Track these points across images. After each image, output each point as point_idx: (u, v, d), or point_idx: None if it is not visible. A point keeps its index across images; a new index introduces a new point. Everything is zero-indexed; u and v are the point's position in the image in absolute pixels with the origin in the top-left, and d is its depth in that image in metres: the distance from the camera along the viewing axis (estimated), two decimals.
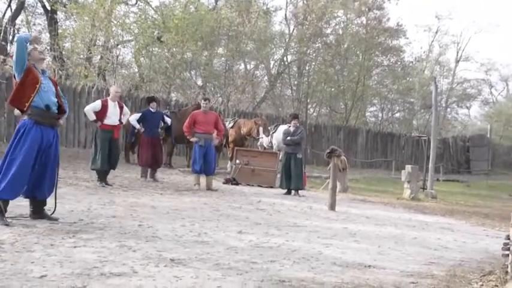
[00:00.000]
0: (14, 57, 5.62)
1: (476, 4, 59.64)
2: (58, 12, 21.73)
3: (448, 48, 34.96)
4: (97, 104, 10.05)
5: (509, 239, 5.23)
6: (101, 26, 19.34)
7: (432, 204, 12.53)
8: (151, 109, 11.93)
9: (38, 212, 5.99)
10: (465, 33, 37.11)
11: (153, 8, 22.12)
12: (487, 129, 32.45)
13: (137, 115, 12.21)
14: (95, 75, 20.37)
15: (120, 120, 10.09)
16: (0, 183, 5.51)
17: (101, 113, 9.87)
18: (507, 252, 5.22)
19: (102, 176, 9.87)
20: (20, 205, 6.15)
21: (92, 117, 9.92)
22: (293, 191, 11.62)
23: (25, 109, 5.70)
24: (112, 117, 9.90)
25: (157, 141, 11.89)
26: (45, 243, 4.80)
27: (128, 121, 11.62)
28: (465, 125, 40.48)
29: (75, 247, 4.75)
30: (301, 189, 11.78)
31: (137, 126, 11.82)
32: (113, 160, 9.98)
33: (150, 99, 12.32)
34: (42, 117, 5.75)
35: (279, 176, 14.00)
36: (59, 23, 21.83)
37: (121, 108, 10.15)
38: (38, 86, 5.67)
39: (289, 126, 12.21)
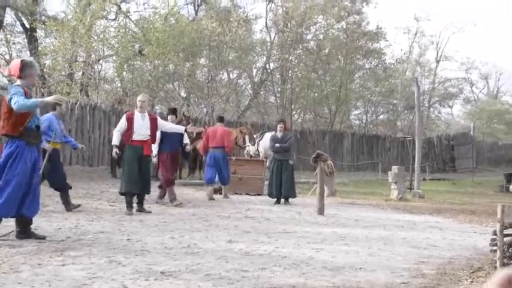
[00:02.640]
0: (22, 103, 5.54)
1: (453, 5, 60.46)
2: (37, 30, 21.59)
3: (428, 49, 35.38)
4: (122, 122, 8.69)
5: (496, 234, 5.28)
6: (81, 42, 19.25)
7: (420, 204, 12.61)
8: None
9: (24, 231, 5.93)
10: (444, 33, 37.55)
11: (133, 22, 22.09)
12: (470, 127, 32.80)
13: (158, 134, 10.10)
14: (77, 92, 20.25)
15: (151, 134, 8.74)
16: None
17: (127, 130, 8.58)
18: (495, 247, 5.28)
19: (130, 202, 8.54)
20: (7, 225, 6.08)
21: (116, 141, 8.65)
22: (282, 200, 11.31)
23: (19, 133, 5.74)
24: (140, 131, 8.57)
25: (177, 157, 10.63)
26: (33, 262, 4.75)
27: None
28: (449, 124, 40.87)
29: (63, 265, 4.71)
30: (293, 198, 11.44)
31: (154, 152, 9.88)
32: (143, 181, 8.57)
33: (170, 111, 11.06)
34: (34, 137, 5.85)
35: (266, 183, 14.01)
36: (38, 41, 21.68)
37: (153, 120, 8.81)
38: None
39: (275, 132, 12.03)
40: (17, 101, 5.51)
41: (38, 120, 5.97)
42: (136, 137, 8.54)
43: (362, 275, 4.85)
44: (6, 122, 5.76)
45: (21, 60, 6.02)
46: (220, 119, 12.51)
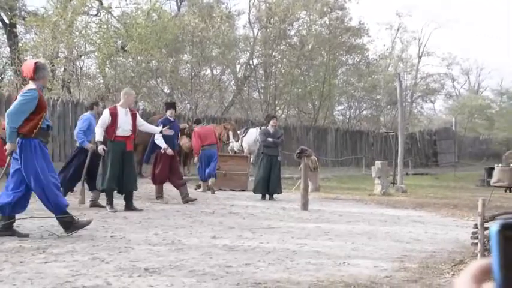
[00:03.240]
0: (23, 101, 5.80)
1: (435, 0, 60.93)
2: (17, 26, 21.30)
3: (410, 45, 35.58)
4: (105, 117, 8.39)
5: (477, 227, 5.36)
6: (62, 38, 19.04)
7: (403, 198, 12.71)
8: (169, 118, 10.25)
9: (9, 228, 5.87)
10: (425, 29, 37.76)
11: (115, 18, 21.90)
12: (452, 122, 33.15)
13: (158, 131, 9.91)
14: (59, 88, 20.05)
15: (133, 130, 8.53)
16: (19, 199, 5.84)
17: (111, 125, 8.33)
18: (476, 240, 5.35)
19: (111, 198, 8.41)
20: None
21: (99, 137, 8.30)
22: (268, 196, 11.29)
23: (34, 134, 5.90)
24: (123, 127, 8.36)
25: (177, 156, 10.44)
26: (15, 260, 4.70)
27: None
28: (431, 119, 41.23)
29: (45, 263, 4.67)
30: (278, 193, 11.44)
31: (164, 145, 9.65)
32: (127, 178, 8.39)
33: (169, 106, 10.69)
34: (44, 136, 6.04)
35: (251, 179, 14.00)
36: (18, 37, 21.40)
37: (134, 115, 8.62)
38: (46, 109, 6.03)
39: (267, 126, 11.85)
40: (12, 113, 5.73)
41: (48, 121, 6.18)
42: (120, 132, 8.33)
43: (345, 270, 4.88)
44: (24, 123, 5.83)
45: (35, 62, 6.09)
46: (198, 121, 12.90)
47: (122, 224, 7.10)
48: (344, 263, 5.16)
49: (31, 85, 5.97)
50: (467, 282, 0.61)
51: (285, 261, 5.11)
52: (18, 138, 5.87)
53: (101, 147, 8.28)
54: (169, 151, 9.64)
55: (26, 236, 5.84)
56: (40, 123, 5.89)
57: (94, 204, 8.72)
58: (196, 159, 12.32)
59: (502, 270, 0.59)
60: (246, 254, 5.42)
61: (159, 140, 9.68)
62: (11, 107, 5.90)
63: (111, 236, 6.10)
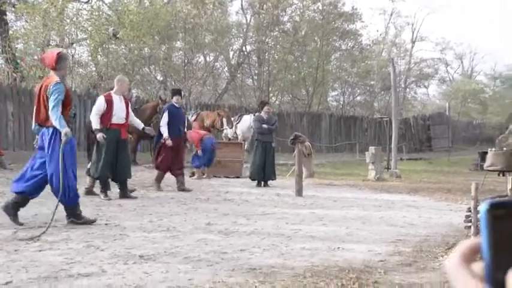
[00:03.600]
0: (58, 95, 5.92)
1: None
2: (7, 13, 21.07)
3: (404, 30, 35.53)
4: (100, 104, 8.28)
5: (470, 211, 5.39)
6: (53, 26, 18.87)
7: (397, 184, 12.77)
8: (175, 104, 10.09)
9: (15, 210, 6.02)
10: (419, 14, 37.67)
11: (106, 5, 21.71)
12: (446, 107, 33.21)
13: (165, 117, 9.96)
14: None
15: (126, 117, 8.43)
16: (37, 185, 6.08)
17: (107, 112, 8.21)
18: (469, 224, 5.38)
19: (105, 186, 8.35)
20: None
21: (97, 124, 8.20)
22: (263, 182, 11.27)
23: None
24: (118, 114, 8.26)
25: (181, 142, 10.13)
26: (9, 249, 4.69)
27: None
28: (425, 104, 41.28)
29: (40, 251, 4.66)
30: (273, 180, 11.42)
31: (165, 135, 9.67)
32: (121, 166, 8.29)
33: (175, 92, 10.48)
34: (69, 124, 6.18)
35: (245, 165, 14.00)
36: (9, 24, 21.18)
37: (126, 103, 8.52)
38: (71, 99, 6.30)
39: (260, 113, 11.77)
40: (57, 112, 5.86)
41: (74, 110, 6.24)
42: (115, 120, 8.23)
43: (340, 254, 4.91)
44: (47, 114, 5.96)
45: (58, 53, 6.19)
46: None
47: (117, 211, 7.09)
48: (338, 248, 5.18)
49: (54, 76, 6.04)
50: (457, 262, 0.61)
51: (279, 247, 5.12)
52: (47, 129, 6.05)
53: (100, 135, 8.14)
54: (169, 142, 9.56)
55: (21, 224, 5.83)
56: (69, 113, 6.18)
57: (89, 191, 8.63)
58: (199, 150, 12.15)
59: (490, 250, 0.59)
60: (241, 240, 5.43)
61: (163, 128, 9.69)
62: (50, 105, 5.91)
63: (106, 224, 6.09)
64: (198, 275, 4.03)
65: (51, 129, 5.99)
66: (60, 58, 6.06)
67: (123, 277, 3.89)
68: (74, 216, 6.05)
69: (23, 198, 6.04)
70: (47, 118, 5.99)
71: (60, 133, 5.91)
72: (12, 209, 5.94)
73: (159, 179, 9.90)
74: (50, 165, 5.97)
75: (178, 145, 9.86)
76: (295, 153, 10.61)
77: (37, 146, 6.30)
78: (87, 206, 7.38)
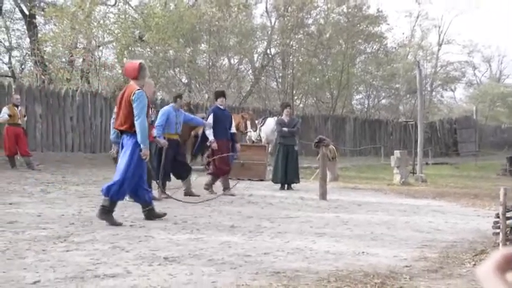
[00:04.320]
0: (140, 102, 6.28)
1: None
2: (37, 17, 21.49)
3: (430, 32, 35.15)
4: None
5: (498, 217, 5.29)
6: (80, 28, 19.16)
7: (422, 188, 12.61)
8: (220, 106, 9.86)
9: (109, 214, 6.29)
10: (446, 16, 37.12)
11: (132, 8, 21.96)
12: (473, 111, 32.70)
13: (210, 119, 9.70)
14: (78, 79, 20.22)
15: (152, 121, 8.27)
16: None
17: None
18: (497, 230, 5.28)
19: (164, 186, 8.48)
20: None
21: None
22: (286, 185, 11.19)
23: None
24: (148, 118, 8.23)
25: (229, 145, 9.91)
26: (37, 249, 4.76)
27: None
28: (451, 108, 40.74)
29: (67, 251, 4.72)
30: (296, 183, 11.30)
31: (211, 137, 9.57)
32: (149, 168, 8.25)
33: (219, 94, 10.14)
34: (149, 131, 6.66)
35: (269, 168, 13.99)
36: (38, 27, 21.59)
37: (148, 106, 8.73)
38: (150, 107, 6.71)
39: (280, 116, 11.74)
40: (142, 121, 6.23)
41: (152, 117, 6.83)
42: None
43: (365, 259, 4.86)
44: (128, 119, 6.29)
45: (140, 63, 6.55)
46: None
47: (142, 213, 7.13)
48: (363, 252, 5.13)
49: (134, 85, 6.40)
50: (491, 271, 0.60)
51: (304, 251, 5.10)
52: (126, 134, 6.36)
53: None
54: (214, 145, 9.48)
55: (120, 224, 6.09)
56: (148, 119, 6.54)
57: (188, 193, 9.02)
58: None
59: None
60: (265, 243, 5.42)
61: (208, 131, 9.63)
62: (137, 114, 6.23)
63: (131, 225, 6.15)
64: (221, 277, 4.03)
65: (130, 134, 6.34)
66: (141, 68, 6.46)
67: (148, 278, 3.91)
68: (106, 212, 6.18)
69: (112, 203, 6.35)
70: (126, 123, 6.34)
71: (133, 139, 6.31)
72: (107, 216, 6.24)
73: (225, 183, 9.77)
74: (122, 161, 6.35)
75: (226, 147, 9.74)
76: (319, 157, 10.56)
77: (115, 155, 6.83)
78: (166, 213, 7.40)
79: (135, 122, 6.22)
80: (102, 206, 6.22)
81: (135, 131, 6.26)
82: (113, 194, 6.22)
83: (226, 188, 9.79)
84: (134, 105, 6.22)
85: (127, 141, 6.36)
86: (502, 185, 7.07)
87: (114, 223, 6.11)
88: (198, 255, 4.73)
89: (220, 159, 9.61)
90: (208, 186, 9.80)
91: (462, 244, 5.76)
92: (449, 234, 6.40)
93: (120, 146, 6.56)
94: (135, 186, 6.43)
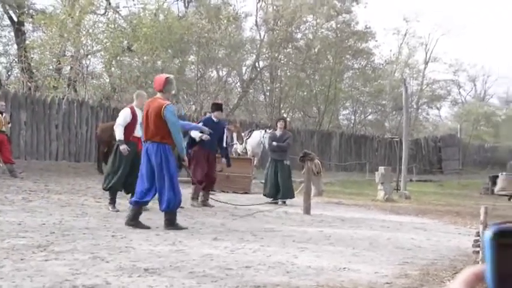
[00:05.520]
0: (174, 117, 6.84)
1: (442, 7, 60.85)
2: (25, 24, 21.39)
3: (417, 50, 35.45)
4: (127, 115, 8.25)
5: (479, 235, 5.33)
6: (69, 37, 19.11)
7: (406, 205, 12.68)
8: (214, 118, 9.89)
9: (137, 218, 6.88)
10: (432, 35, 37.39)
11: (122, 17, 21.97)
12: (457, 129, 33.04)
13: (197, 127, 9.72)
14: (65, 87, 20.11)
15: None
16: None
17: (131, 124, 8.20)
18: (477, 249, 5.33)
19: (114, 198, 8.30)
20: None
21: (121, 135, 8.12)
22: (280, 201, 10.97)
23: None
24: (138, 127, 8.08)
25: (213, 158, 9.91)
26: (15, 258, 4.71)
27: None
28: (436, 126, 41.09)
29: (46, 260, 4.67)
30: (291, 198, 11.05)
31: (198, 136, 9.47)
32: (136, 178, 7.83)
33: (216, 107, 10.16)
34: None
35: (254, 181, 13.98)
36: (26, 34, 21.49)
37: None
38: None
39: (275, 130, 11.65)
40: (179, 132, 6.86)
41: None
42: (136, 133, 8.13)
43: (346, 275, 4.87)
44: (159, 131, 6.75)
45: (166, 77, 7.00)
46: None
47: (124, 224, 7.09)
48: (344, 268, 5.14)
49: (162, 98, 6.85)
50: None
51: (285, 265, 5.09)
52: (152, 143, 6.81)
53: (124, 147, 8.08)
54: (206, 137, 9.32)
55: (148, 227, 6.66)
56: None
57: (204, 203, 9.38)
58: None
59: (495, 278, 0.58)
60: (247, 256, 5.41)
61: (194, 133, 9.55)
62: (173, 127, 6.75)
63: (112, 236, 6.10)
64: None
65: (155, 145, 6.77)
66: (167, 82, 6.86)
67: None
68: (172, 223, 6.83)
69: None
70: (155, 135, 6.76)
71: (166, 149, 6.81)
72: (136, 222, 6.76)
73: (196, 194, 9.74)
74: (161, 178, 6.78)
75: (210, 160, 9.74)
76: (304, 171, 10.58)
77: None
78: (94, 218, 7.42)
79: (173, 136, 6.73)
80: (167, 220, 6.84)
81: (165, 142, 6.77)
82: (173, 207, 6.84)
83: (205, 200, 9.78)
84: (169, 121, 6.70)
85: (159, 152, 6.75)
86: (484, 203, 7.15)
87: (181, 227, 6.82)
88: (179, 267, 4.70)
89: (196, 168, 9.55)
90: (194, 197, 9.74)
91: (443, 262, 5.80)
92: (430, 251, 6.44)
93: (146, 155, 6.87)
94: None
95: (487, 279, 0.59)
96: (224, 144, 10.30)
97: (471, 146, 35.18)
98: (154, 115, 6.74)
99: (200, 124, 9.71)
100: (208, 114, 10.62)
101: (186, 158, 7.65)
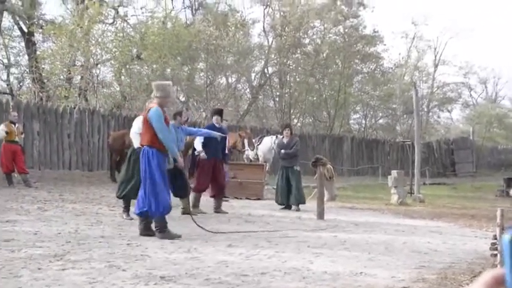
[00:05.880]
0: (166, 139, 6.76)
1: (451, 10, 60.63)
2: (35, 34, 21.60)
3: (426, 53, 35.27)
4: (140, 122, 7.94)
5: (496, 238, 5.28)
6: (79, 46, 19.26)
7: (420, 208, 12.59)
8: (216, 124, 9.81)
9: (149, 228, 6.76)
10: (441, 38, 37.23)
11: (130, 26, 22.12)
12: (470, 132, 32.80)
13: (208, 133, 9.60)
14: (76, 96, 20.25)
15: None
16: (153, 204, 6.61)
17: (145, 132, 8.09)
18: (495, 252, 5.27)
19: (128, 206, 8.26)
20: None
21: (137, 143, 7.77)
22: (293, 206, 10.98)
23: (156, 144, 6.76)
24: None
25: (220, 165, 9.90)
26: (33, 267, 4.73)
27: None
28: (448, 128, 40.83)
29: (63, 269, 4.69)
30: (303, 203, 11.02)
31: (199, 148, 9.53)
32: None
33: (216, 112, 10.14)
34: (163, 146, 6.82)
35: (266, 187, 13.96)
36: (36, 45, 21.70)
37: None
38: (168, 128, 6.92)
39: (282, 137, 11.71)
40: (164, 133, 6.68)
41: None
42: None
43: (362, 280, 4.83)
44: (147, 135, 6.76)
45: (154, 84, 7.16)
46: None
47: (138, 232, 7.09)
48: (361, 273, 5.11)
49: (153, 103, 6.88)
50: None
51: (301, 271, 5.07)
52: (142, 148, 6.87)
53: None
54: (203, 155, 9.42)
55: (179, 236, 6.63)
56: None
57: (185, 212, 8.80)
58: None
59: None
60: (262, 262, 5.39)
61: (197, 142, 9.62)
62: (156, 129, 6.69)
63: (128, 244, 6.11)
64: None
65: (143, 149, 6.80)
66: (154, 87, 6.99)
67: None
68: (161, 230, 6.68)
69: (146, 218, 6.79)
70: (143, 139, 6.83)
71: (150, 153, 6.67)
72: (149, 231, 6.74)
73: (197, 201, 9.63)
74: (144, 182, 6.75)
75: (217, 167, 9.70)
76: (316, 176, 10.55)
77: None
78: (108, 226, 7.44)
79: (158, 133, 6.67)
80: (156, 227, 6.72)
81: (153, 146, 6.73)
82: (153, 214, 6.71)
83: (195, 205, 9.57)
84: (150, 121, 6.72)
85: (144, 156, 6.76)
86: (499, 206, 7.07)
87: (174, 236, 6.65)
88: (194, 275, 4.69)
89: (200, 175, 9.56)
90: (194, 205, 9.55)
91: (460, 265, 5.74)
92: (447, 255, 6.38)
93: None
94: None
95: (507, 283, 0.58)
96: (226, 151, 10.30)
97: (484, 148, 34.89)
98: (142, 120, 6.94)
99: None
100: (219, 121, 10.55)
101: (180, 159, 7.39)
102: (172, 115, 9.32)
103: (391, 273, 5.14)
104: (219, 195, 9.92)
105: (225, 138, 10.09)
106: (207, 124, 10.52)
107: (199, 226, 7.24)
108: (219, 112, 10.25)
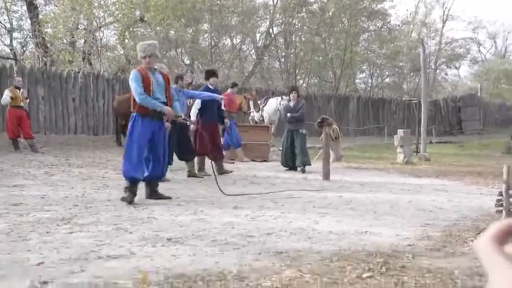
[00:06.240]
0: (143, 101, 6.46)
1: None
2: None
3: (434, 9, 34.79)
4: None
5: (501, 195, 5.28)
6: (81, 9, 19.03)
7: (426, 167, 12.59)
8: (210, 86, 9.73)
9: (154, 192, 6.78)
10: None
11: None
12: (477, 89, 32.49)
13: (198, 100, 9.58)
14: (80, 60, 20.14)
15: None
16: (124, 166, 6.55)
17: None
18: (500, 208, 5.28)
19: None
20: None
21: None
22: (299, 168, 10.98)
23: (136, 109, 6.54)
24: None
25: (216, 128, 9.97)
26: (41, 231, 4.79)
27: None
28: (455, 86, 40.49)
29: (71, 233, 4.75)
30: (308, 165, 11.00)
31: (193, 117, 9.46)
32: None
33: (210, 73, 10.01)
34: (151, 112, 6.52)
35: (272, 149, 13.98)
36: (38, 8, 21.44)
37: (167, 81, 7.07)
38: (151, 88, 6.52)
39: (289, 100, 11.64)
40: (139, 96, 6.40)
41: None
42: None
43: (368, 238, 4.87)
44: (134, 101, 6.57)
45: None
46: (234, 84, 13.31)
47: (145, 195, 7.15)
48: (366, 232, 5.14)
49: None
50: (488, 243, 0.58)
51: (306, 231, 5.11)
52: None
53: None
54: (192, 126, 9.36)
55: (169, 198, 6.72)
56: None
57: (191, 174, 9.12)
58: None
59: None
60: (268, 223, 5.43)
61: (192, 111, 9.58)
62: (132, 90, 6.54)
63: (135, 207, 6.17)
64: (224, 258, 4.05)
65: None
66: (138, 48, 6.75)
67: (151, 259, 3.93)
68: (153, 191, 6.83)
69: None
70: (133, 105, 6.59)
71: (132, 117, 6.55)
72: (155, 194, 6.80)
73: (202, 165, 9.66)
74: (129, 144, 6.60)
75: (214, 130, 9.76)
76: (322, 137, 10.54)
77: None
78: (115, 190, 7.50)
79: (135, 97, 6.49)
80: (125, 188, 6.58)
81: (134, 110, 6.58)
82: (125, 174, 6.58)
83: (201, 168, 9.63)
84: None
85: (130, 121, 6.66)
86: (506, 163, 7.05)
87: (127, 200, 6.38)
88: (201, 236, 4.74)
89: (201, 139, 9.42)
90: (200, 168, 9.65)
91: (465, 222, 5.76)
92: (452, 212, 6.40)
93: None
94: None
95: None
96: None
97: (492, 105, 34.62)
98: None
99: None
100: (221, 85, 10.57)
101: (168, 109, 6.72)
102: (174, 78, 9.29)
103: (396, 232, 5.17)
104: (219, 157, 9.90)
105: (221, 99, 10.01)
106: (202, 87, 10.30)
107: (220, 189, 7.27)
108: (214, 73, 10.15)
